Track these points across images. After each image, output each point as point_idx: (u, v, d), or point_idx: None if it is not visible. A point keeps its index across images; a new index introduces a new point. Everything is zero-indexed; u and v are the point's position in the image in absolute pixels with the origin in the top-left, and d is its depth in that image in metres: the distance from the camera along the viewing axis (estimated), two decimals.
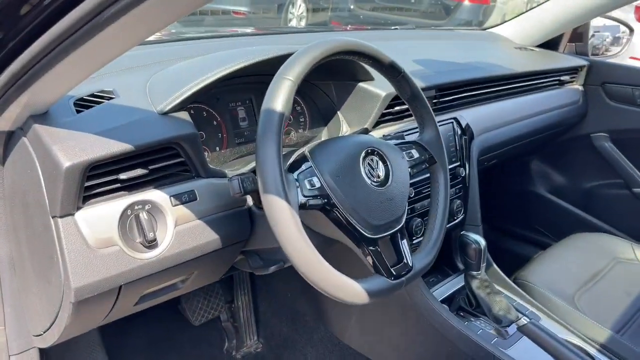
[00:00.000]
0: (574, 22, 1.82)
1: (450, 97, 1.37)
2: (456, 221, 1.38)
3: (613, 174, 1.88)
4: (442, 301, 1.32)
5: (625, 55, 2.18)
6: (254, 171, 1.00)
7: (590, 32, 2.00)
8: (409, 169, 0.98)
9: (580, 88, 1.86)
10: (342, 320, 1.41)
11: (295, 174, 0.85)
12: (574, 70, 1.82)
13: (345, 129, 1.20)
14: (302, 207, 0.81)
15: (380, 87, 1.16)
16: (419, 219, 1.25)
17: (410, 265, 0.93)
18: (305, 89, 1.21)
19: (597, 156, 1.90)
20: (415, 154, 1.01)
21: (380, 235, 0.89)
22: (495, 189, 1.98)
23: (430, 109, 1.03)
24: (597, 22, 2.06)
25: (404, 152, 0.99)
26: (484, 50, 1.75)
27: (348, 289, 0.82)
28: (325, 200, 0.84)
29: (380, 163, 0.92)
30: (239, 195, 0.83)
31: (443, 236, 1.02)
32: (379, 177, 0.90)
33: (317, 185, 0.84)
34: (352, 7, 5.22)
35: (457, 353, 1.20)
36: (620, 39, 2.25)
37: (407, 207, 0.95)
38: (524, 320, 1.15)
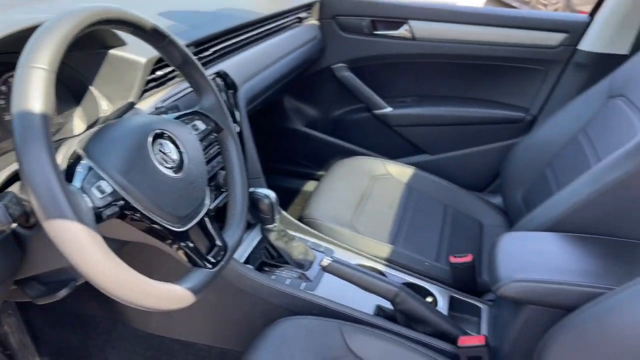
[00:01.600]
0: None
1: (210, 51, 1.28)
2: None
3: (355, 100, 2.07)
4: (245, 262, 1.30)
5: None
6: (8, 182, 0.79)
7: None
8: (200, 143, 0.89)
9: (317, 23, 1.95)
10: (143, 311, 1.29)
11: (77, 183, 0.69)
12: (308, 7, 1.89)
13: (105, 106, 1.03)
14: (99, 221, 0.67)
15: (137, 53, 1.01)
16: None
17: (224, 245, 0.88)
18: None
19: (340, 86, 2.05)
20: (201, 125, 0.93)
21: (190, 225, 0.81)
22: (257, 131, 2.00)
23: (205, 72, 0.94)
24: None
25: (189, 126, 0.90)
26: None
27: (173, 296, 0.73)
28: (123, 203, 0.71)
29: (171, 145, 0.81)
30: (7, 227, 0.64)
31: (247, 204, 0.98)
32: (173, 161, 0.80)
33: (109, 190, 0.70)
34: None
35: (272, 308, 1.21)
36: None
37: (207, 186, 0.88)
38: (326, 260, 1.20)
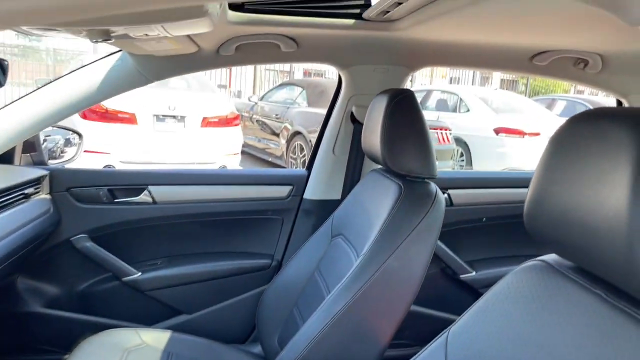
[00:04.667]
0: (22, 135, 1.79)
1: None
2: None
3: (102, 270, 1.97)
4: None
5: (78, 160, 2.27)
6: None
7: (42, 138, 2.03)
8: None
9: (48, 197, 1.86)
10: None
11: None
12: (36, 181, 1.80)
13: None
14: None
15: None
16: None
17: None
18: None
19: (83, 257, 1.94)
20: None
21: None
22: None
23: None
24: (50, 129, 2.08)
25: None
26: None
27: None
28: None
29: None
30: None
31: None
32: None
33: None
34: None
35: None
36: (71, 141, 2.37)
37: None
38: None
